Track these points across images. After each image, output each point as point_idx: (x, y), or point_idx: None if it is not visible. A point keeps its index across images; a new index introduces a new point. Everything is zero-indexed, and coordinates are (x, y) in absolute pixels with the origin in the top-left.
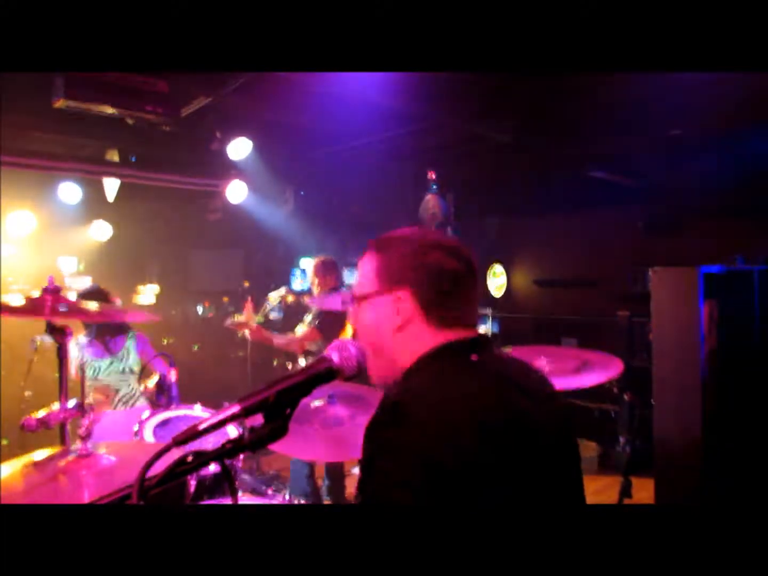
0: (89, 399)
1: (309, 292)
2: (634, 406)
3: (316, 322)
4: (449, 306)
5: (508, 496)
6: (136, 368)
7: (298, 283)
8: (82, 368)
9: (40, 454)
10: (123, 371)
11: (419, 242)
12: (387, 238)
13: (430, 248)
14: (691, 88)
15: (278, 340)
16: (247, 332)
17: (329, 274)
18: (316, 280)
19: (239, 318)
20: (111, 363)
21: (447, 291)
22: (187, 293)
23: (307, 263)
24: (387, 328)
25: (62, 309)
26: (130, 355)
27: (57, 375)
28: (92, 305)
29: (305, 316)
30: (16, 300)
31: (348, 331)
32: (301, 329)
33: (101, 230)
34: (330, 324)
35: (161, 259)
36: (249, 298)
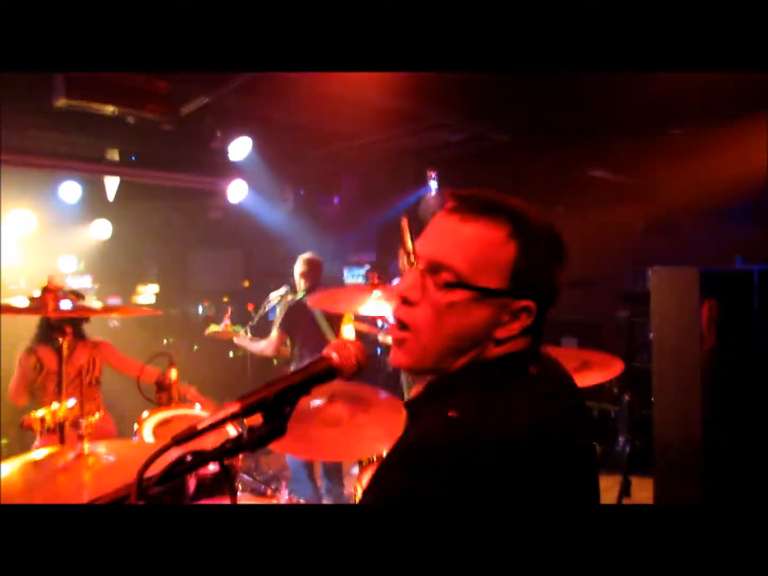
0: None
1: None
2: (634, 406)
3: (278, 323)
4: (544, 325)
5: (511, 492)
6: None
7: None
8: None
9: (40, 454)
10: (90, 384)
11: (561, 244)
12: (531, 224)
13: (567, 259)
14: (690, 86)
15: (253, 347)
16: (236, 339)
17: (312, 272)
18: (301, 279)
19: (215, 328)
20: (77, 375)
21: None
22: (187, 293)
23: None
24: (480, 332)
25: (64, 307)
26: (95, 367)
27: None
28: (95, 303)
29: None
30: (19, 301)
31: (325, 331)
32: (273, 333)
33: (101, 229)
34: (292, 322)
35: (161, 258)
36: (228, 309)
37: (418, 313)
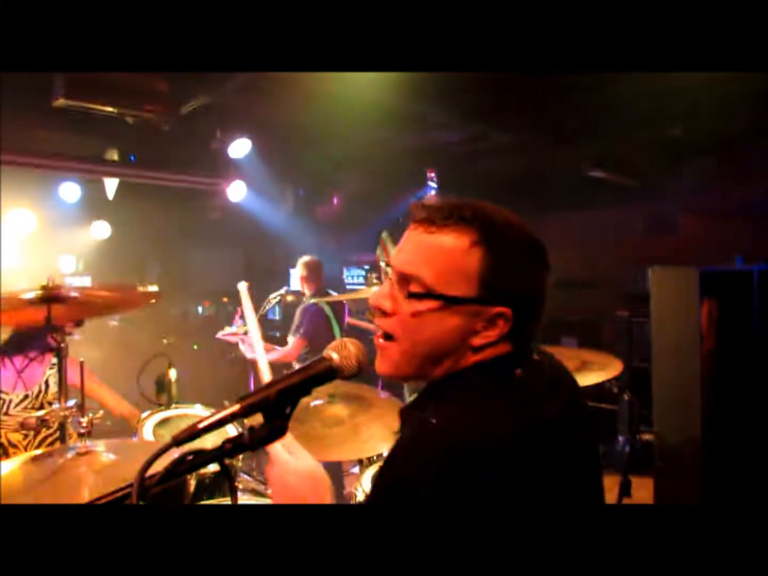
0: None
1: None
2: (634, 406)
3: (300, 331)
4: (533, 330)
5: (503, 479)
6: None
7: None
8: None
9: (40, 452)
10: (41, 407)
11: (538, 248)
12: (498, 230)
13: (545, 259)
14: (691, 87)
15: (271, 356)
16: (242, 347)
17: (314, 274)
18: (303, 283)
19: (229, 330)
20: (25, 397)
21: (540, 315)
22: (187, 293)
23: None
24: (454, 341)
25: (73, 294)
26: (49, 390)
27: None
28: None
29: (294, 324)
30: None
31: (336, 332)
32: (291, 339)
33: (101, 229)
34: (313, 329)
35: (161, 258)
36: (238, 309)
37: (393, 322)
